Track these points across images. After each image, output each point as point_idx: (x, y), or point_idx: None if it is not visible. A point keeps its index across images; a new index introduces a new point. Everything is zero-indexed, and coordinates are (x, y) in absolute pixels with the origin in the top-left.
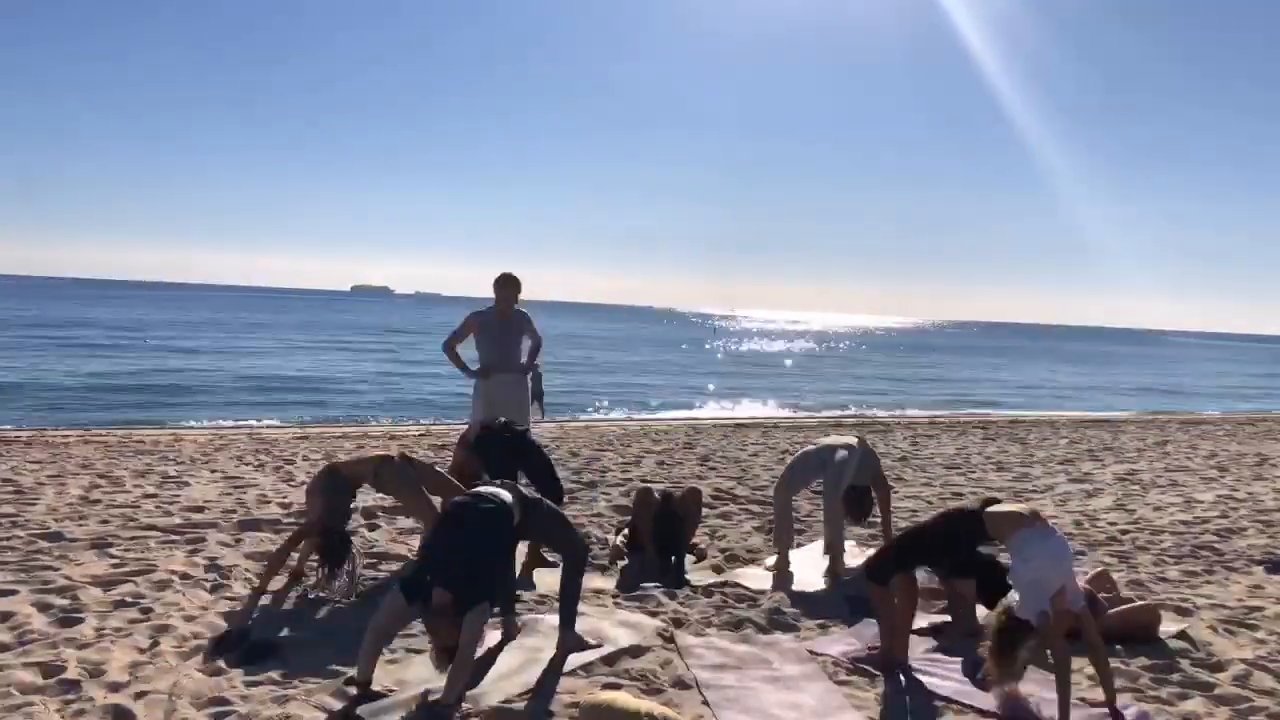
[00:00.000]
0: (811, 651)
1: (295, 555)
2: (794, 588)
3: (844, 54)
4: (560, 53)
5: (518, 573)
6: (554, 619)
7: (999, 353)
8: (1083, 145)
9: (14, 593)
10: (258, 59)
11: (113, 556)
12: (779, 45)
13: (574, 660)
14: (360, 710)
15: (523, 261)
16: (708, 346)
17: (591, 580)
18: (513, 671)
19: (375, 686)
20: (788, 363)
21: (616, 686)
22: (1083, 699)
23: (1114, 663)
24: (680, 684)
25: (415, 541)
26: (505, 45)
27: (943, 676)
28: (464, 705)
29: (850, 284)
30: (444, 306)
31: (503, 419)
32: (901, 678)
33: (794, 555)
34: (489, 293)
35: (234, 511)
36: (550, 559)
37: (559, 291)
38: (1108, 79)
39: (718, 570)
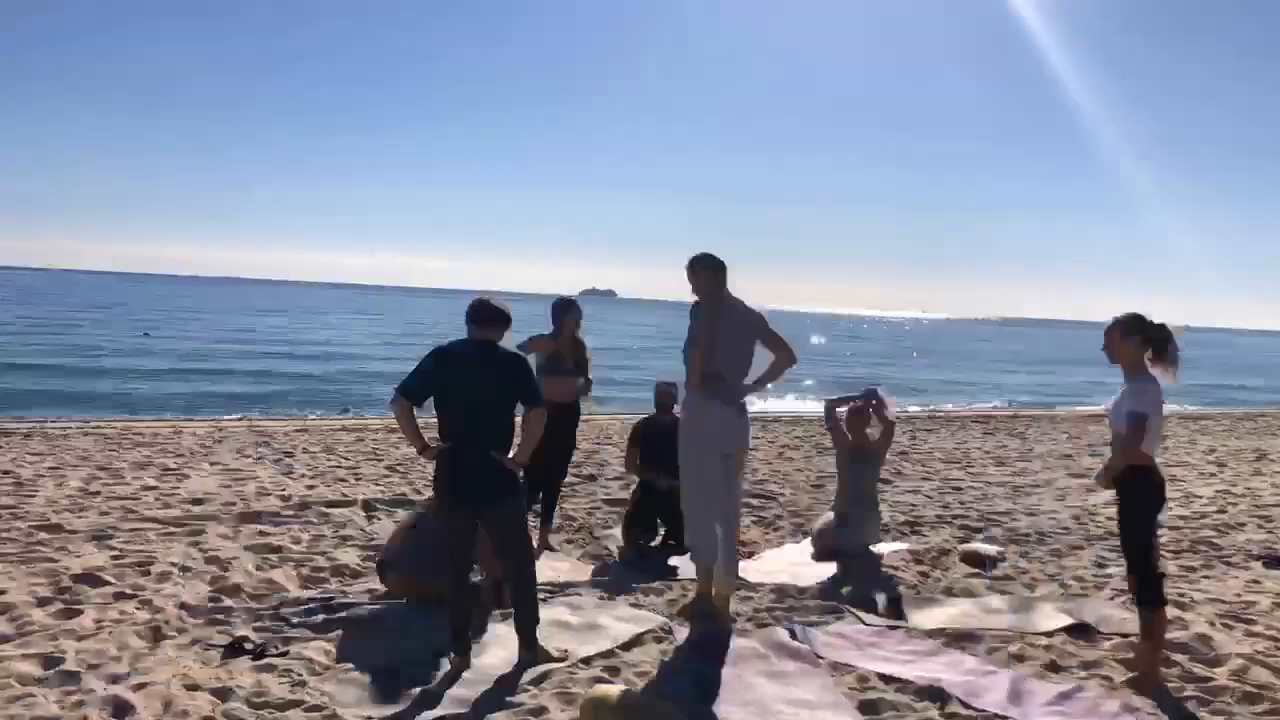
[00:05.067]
0: (815, 654)
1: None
2: (790, 581)
3: (888, 36)
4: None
5: None
6: (551, 611)
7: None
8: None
9: (14, 584)
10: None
11: (112, 548)
12: (823, 27)
13: (574, 654)
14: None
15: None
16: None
17: (587, 571)
18: (513, 662)
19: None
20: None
21: (615, 680)
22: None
23: (1112, 659)
24: (678, 678)
25: None
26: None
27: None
28: (463, 701)
29: (869, 281)
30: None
31: None
32: (893, 671)
33: (790, 549)
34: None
35: (234, 504)
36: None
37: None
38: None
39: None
